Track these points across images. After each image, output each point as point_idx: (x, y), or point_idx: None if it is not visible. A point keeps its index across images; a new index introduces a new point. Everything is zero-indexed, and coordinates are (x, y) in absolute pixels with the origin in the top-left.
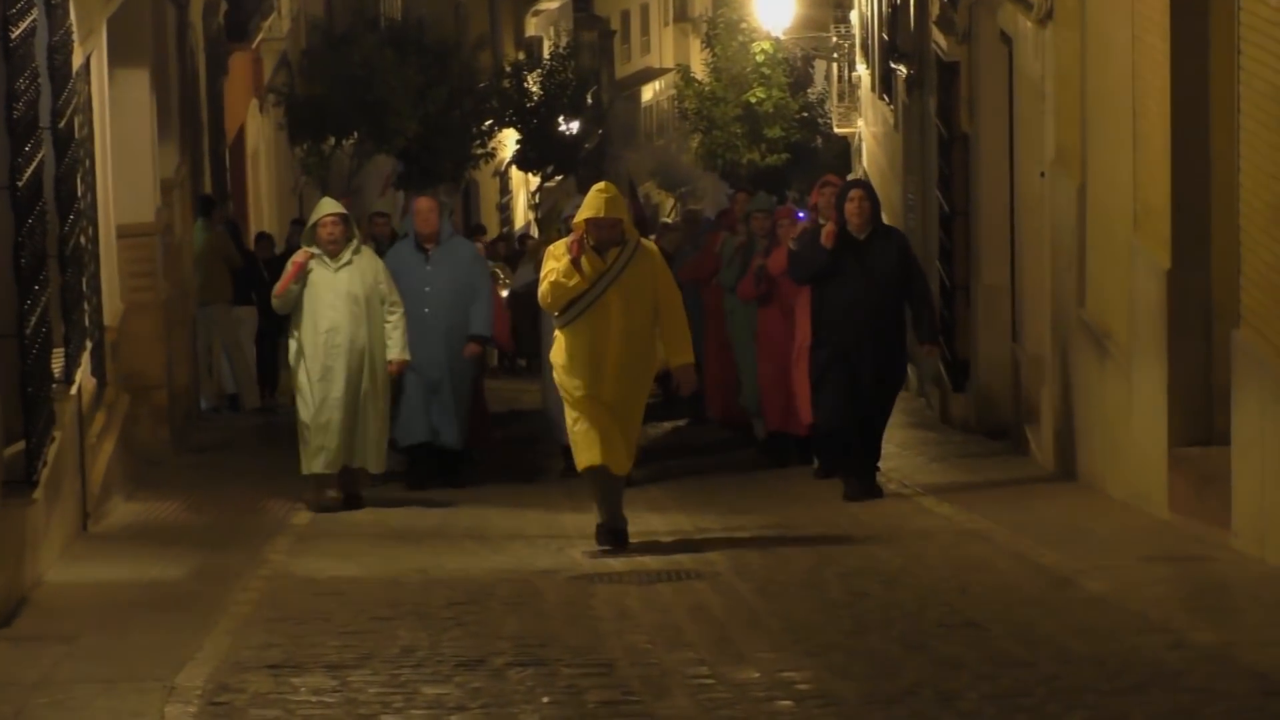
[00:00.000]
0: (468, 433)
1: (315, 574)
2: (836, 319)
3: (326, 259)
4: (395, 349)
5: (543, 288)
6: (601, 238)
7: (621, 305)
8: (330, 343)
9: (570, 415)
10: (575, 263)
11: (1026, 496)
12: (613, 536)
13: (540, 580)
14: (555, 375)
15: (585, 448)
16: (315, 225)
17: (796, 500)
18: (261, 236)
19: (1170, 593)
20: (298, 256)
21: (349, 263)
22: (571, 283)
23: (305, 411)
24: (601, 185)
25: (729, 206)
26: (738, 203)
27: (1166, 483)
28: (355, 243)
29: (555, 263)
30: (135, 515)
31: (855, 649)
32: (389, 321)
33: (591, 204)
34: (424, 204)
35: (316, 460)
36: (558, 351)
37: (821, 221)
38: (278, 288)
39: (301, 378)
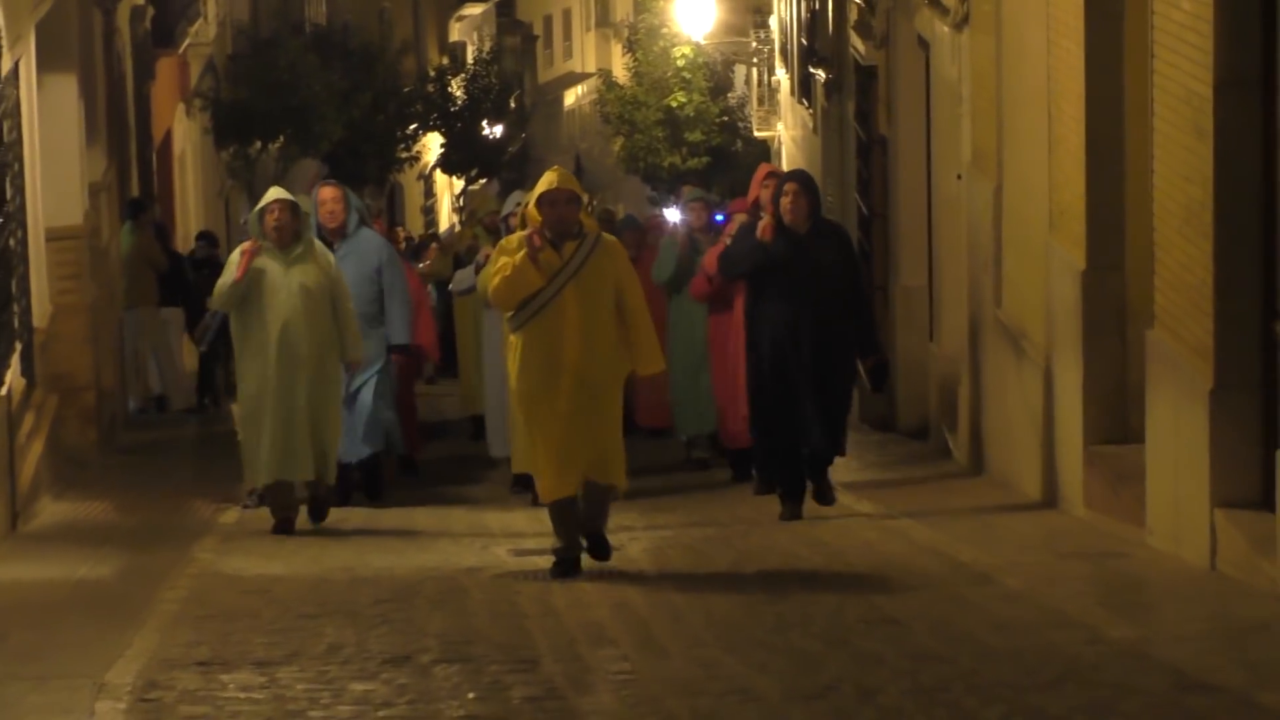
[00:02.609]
0: (383, 442)
1: (242, 572)
2: (772, 320)
3: (277, 252)
4: (351, 348)
5: (494, 284)
6: (558, 218)
7: (580, 304)
8: (285, 341)
9: (527, 435)
10: (532, 257)
11: (944, 494)
12: (565, 565)
13: (466, 578)
14: (510, 383)
15: (546, 478)
16: (262, 212)
17: (718, 498)
18: (161, 228)
19: (1086, 589)
20: (246, 245)
21: (301, 256)
22: (526, 279)
23: (254, 418)
24: (554, 167)
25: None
26: (685, 196)
27: (1082, 480)
28: (308, 237)
29: (507, 257)
30: (64, 515)
31: (776, 645)
32: (342, 320)
33: (544, 180)
34: (327, 193)
35: (270, 469)
36: (511, 358)
37: (762, 215)
38: (226, 278)
39: (251, 381)
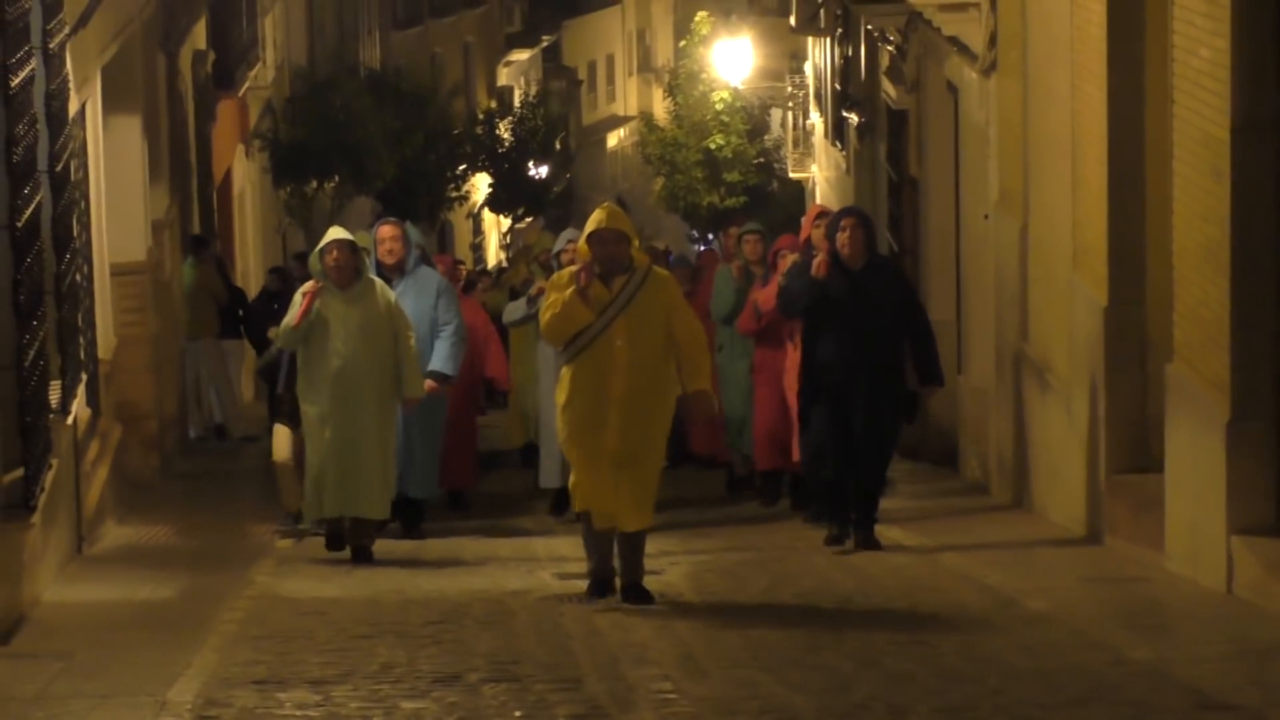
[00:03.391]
0: (439, 479)
1: (298, 594)
2: (829, 354)
3: (337, 291)
4: (413, 385)
5: (545, 318)
6: (607, 256)
7: (629, 338)
8: (345, 379)
9: (574, 467)
10: (582, 293)
11: (972, 521)
12: (600, 587)
13: (512, 600)
14: (557, 415)
15: (583, 497)
16: (321, 252)
17: (755, 525)
18: (221, 264)
19: (1109, 612)
20: (307, 287)
21: (361, 295)
22: (575, 314)
23: (316, 455)
24: (604, 204)
25: (723, 243)
26: (730, 236)
27: (1105, 508)
28: (367, 275)
29: (558, 293)
30: (127, 538)
31: (810, 665)
32: (403, 356)
33: (594, 219)
34: (387, 231)
35: (320, 505)
36: (560, 389)
37: (814, 254)
38: (289, 319)
39: (314, 418)
